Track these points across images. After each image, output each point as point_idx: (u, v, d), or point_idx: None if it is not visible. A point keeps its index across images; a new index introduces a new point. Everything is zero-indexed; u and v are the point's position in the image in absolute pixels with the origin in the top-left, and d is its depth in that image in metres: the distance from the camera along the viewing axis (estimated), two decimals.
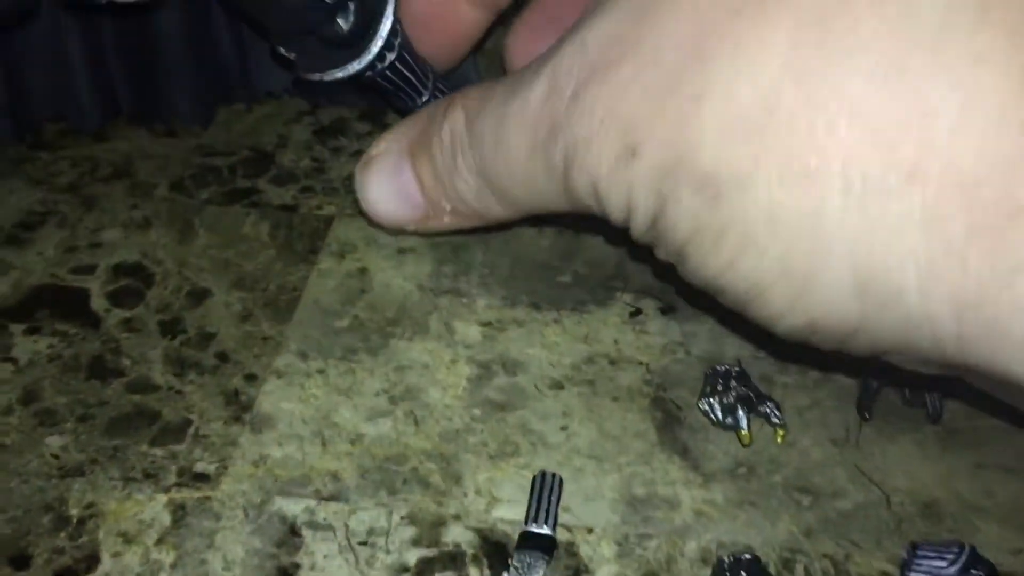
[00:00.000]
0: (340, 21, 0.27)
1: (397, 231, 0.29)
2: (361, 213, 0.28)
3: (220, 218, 0.33)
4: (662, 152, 0.19)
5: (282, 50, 0.29)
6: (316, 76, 0.29)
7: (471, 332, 0.29)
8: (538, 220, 0.32)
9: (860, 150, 0.17)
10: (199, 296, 0.30)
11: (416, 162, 0.26)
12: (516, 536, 0.23)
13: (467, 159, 0.24)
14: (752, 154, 0.18)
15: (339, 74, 0.28)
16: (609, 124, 0.20)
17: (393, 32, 0.28)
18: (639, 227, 0.21)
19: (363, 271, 0.31)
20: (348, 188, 0.34)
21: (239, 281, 0.30)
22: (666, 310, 0.29)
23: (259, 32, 0.34)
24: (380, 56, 0.28)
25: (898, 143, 0.16)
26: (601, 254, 0.31)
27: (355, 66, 0.28)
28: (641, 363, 0.28)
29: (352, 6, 0.27)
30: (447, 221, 0.26)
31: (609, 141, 0.20)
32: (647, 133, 0.19)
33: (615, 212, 0.21)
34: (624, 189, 0.20)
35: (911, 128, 0.16)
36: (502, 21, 0.32)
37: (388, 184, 0.27)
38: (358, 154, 0.34)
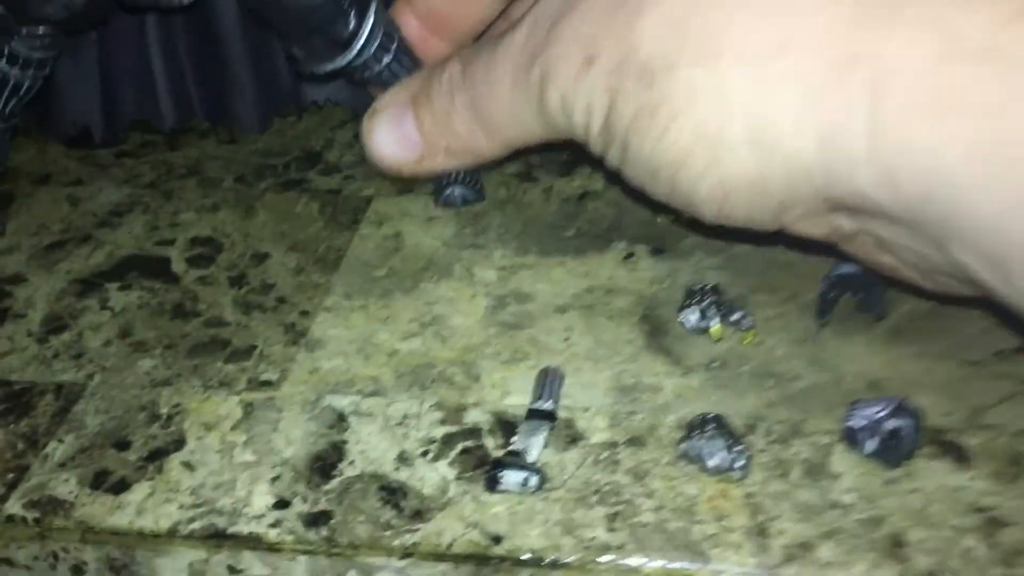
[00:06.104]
0: (341, 24, 0.33)
1: (396, 174, 0.32)
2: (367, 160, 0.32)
3: (277, 201, 0.39)
4: (613, 55, 0.24)
5: (294, 50, 0.34)
6: (311, 68, 0.33)
7: (488, 275, 0.34)
8: (541, 182, 0.37)
9: (750, 33, 0.22)
10: (261, 258, 0.35)
11: (418, 109, 0.30)
12: (524, 414, 0.28)
13: (462, 97, 0.29)
14: (677, 44, 0.23)
15: (329, 66, 0.33)
16: (574, 43, 0.25)
17: (387, 36, 0.33)
18: (596, 129, 0.26)
19: (397, 235, 0.36)
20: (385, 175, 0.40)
21: (294, 245, 0.36)
22: (656, 252, 0.34)
23: (276, 35, 0.39)
24: (376, 56, 0.33)
25: (775, 25, 0.22)
26: (601, 214, 0.37)
27: (342, 60, 0.33)
28: (633, 291, 0.33)
29: (352, 11, 0.33)
30: (440, 160, 0.30)
31: (574, 56, 0.25)
32: (601, 43, 0.25)
33: (579, 119, 0.26)
34: (585, 93, 0.25)
35: (784, 13, 0.22)
36: None
37: (391, 130, 0.30)
38: None
